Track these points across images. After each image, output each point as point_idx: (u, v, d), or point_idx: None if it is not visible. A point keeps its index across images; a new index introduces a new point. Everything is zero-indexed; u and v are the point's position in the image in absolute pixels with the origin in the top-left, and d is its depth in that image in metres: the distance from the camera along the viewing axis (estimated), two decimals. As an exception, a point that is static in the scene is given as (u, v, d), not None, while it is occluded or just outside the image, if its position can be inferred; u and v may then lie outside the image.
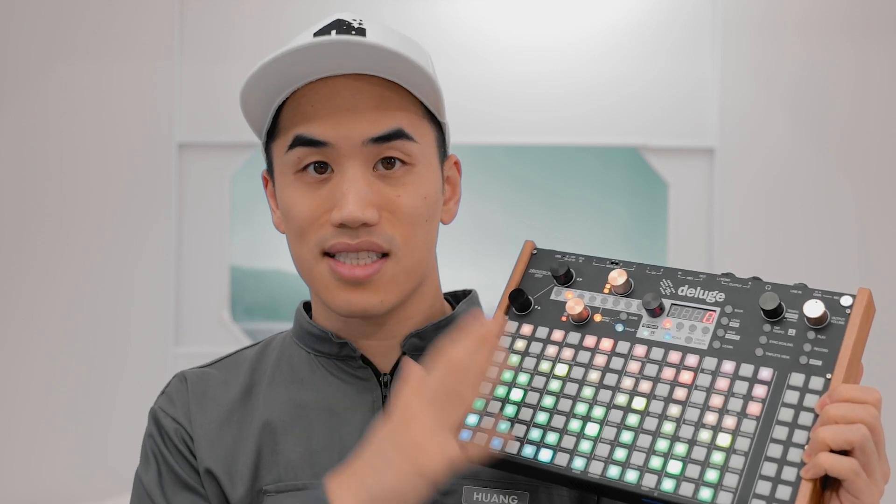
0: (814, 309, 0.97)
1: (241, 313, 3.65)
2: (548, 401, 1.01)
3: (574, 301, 1.05)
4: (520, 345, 1.06)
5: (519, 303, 1.07)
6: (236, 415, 1.13)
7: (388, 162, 1.07)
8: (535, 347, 1.05)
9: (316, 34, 1.07)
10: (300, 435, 1.10)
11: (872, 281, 3.50)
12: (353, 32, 1.07)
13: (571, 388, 1.01)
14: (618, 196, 3.63)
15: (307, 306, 1.21)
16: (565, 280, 1.08)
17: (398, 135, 1.06)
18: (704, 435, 0.95)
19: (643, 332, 1.02)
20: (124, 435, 3.53)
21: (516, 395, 1.02)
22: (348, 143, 1.05)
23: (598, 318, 1.05)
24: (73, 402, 3.57)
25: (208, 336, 3.59)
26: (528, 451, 0.99)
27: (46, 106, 3.62)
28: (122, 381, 3.57)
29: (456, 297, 1.23)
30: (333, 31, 1.07)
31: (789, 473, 0.91)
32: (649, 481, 0.94)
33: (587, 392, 1.00)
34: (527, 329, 1.06)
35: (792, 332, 0.98)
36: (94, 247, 3.60)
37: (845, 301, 0.98)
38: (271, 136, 1.12)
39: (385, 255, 1.07)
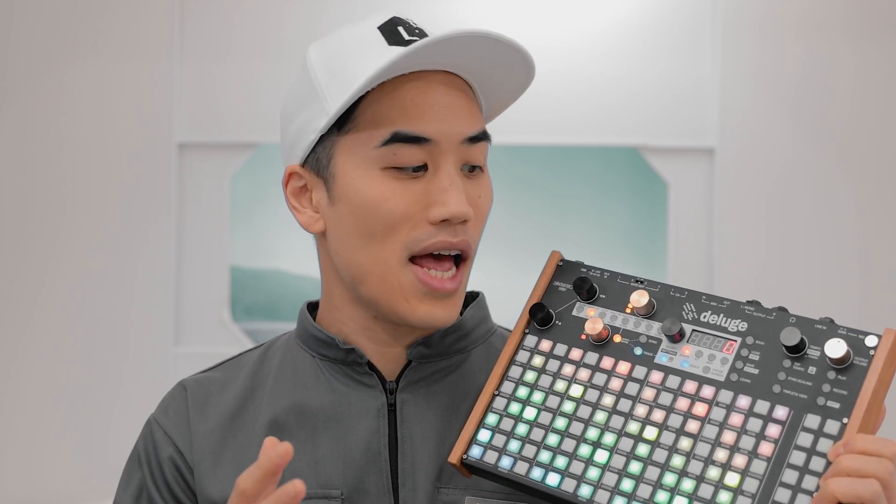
0: (836, 349, 0.93)
1: (241, 313, 3.65)
2: (560, 422, 1.00)
3: (594, 321, 1.03)
4: (537, 361, 1.04)
5: (540, 317, 1.05)
6: (238, 420, 1.12)
7: (472, 165, 1.07)
8: (553, 365, 1.04)
9: (380, 28, 1.07)
10: (305, 442, 1.09)
11: (872, 282, 3.50)
12: (416, 32, 1.07)
13: (584, 412, 1.00)
14: (618, 196, 3.63)
15: (310, 306, 1.18)
16: (588, 296, 1.06)
17: (484, 136, 1.07)
18: (713, 472, 0.93)
19: (661, 358, 1.01)
20: (124, 435, 3.53)
21: (530, 413, 1.02)
22: (449, 141, 1.04)
23: (617, 338, 1.03)
24: (73, 402, 3.57)
25: (208, 336, 3.59)
26: (537, 473, 0.98)
27: (46, 106, 3.62)
28: (122, 381, 3.57)
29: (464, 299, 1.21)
30: (400, 29, 1.06)
31: None
32: None
33: (600, 417, 0.99)
34: (545, 345, 1.05)
35: (812, 370, 0.95)
36: (94, 247, 3.60)
37: (870, 341, 0.93)
38: (339, 127, 1.05)
39: (459, 260, 1.07)
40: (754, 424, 0.94)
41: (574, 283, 1.06)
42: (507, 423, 1.01)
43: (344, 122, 1.05)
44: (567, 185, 3.64)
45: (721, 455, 0.94)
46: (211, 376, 1.17)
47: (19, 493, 3.55)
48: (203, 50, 3.61)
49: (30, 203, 3.62)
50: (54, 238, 3.61)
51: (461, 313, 1.17)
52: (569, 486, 0.97)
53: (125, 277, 3.59)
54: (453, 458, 1.03)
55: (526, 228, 3.54)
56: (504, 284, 3.50)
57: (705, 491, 0.93)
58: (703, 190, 3.56)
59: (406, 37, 1.06)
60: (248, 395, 1.13)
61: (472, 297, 1.20)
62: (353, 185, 1.05)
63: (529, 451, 1.00)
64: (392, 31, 1.06)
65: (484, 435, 1.02)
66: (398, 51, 1.01)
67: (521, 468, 0.99)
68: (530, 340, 1.06)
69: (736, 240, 3.53)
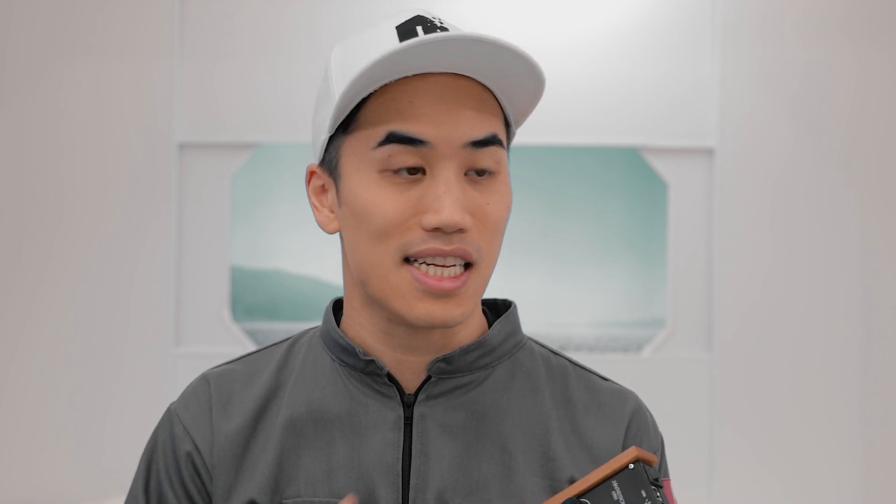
0: None
1: (241, 313, 3.65)
2: None
3: None
4: None
5: None
6: (260, 422, 1.10)
7: (479, 170, 1.04)
8: None
9: (398, 27, 1.03)
10: (322, 449, 1.07)
11: (873, 282, 3.50)
12: (439, 30, 1.02)
13: None
14: (618, 196, 3.63)
15: (336, 305, 1.15)
16: None
17: (494, 140, 1.04)
18: None
19: None
20: (124, 435, 3.53)
21: None
22: (448, 145, 1.01)
23: None
24: (72, 402, 3.57)
25: (208, 336, 3.59)
26: None
27: (46, 106, 3.62)
28: (122, 381, 3.57)
29: (494, 308, 1.18)
30: (418, 28, 1.02)
31: None
32: None
33: None
34: None
35: None
36: (94, 247, 3.60)
37: None
38: (344, 128, 1.05)
39: (468, 265, 1.03)
40: None
41: None
42: None
43: (349, 122, 1.05)
44: (566, 186, 3.63)
45: None
46: (235, 369, 1.14)
47: (19, 493, 3.55)
48: (203, 50, 3.60)
49: (30, 203, 3.62)
50: (54, 238, 3.61)
51: (489, 326, 1.14)
52: None
53: (125, 277, 3.59)
54: None
55: (525, 228, 3.54)
56: (503, 284, 3.51)
57: None
58: (702, 190, 3.56)
59: (422, 36, 1.02)
60: (272, 394, 1.11)
61: (504, 307, 1.17)
62: (353, 187, 1.04)
63: None
64: (409, 30, 1.03)
65: None
66: (390, 50, 0.99)
67: None
68: None
69: (736, 240, 3.53)
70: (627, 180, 3.63)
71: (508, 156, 1.13)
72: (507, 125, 1.10)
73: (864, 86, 3.52)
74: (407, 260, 1.03)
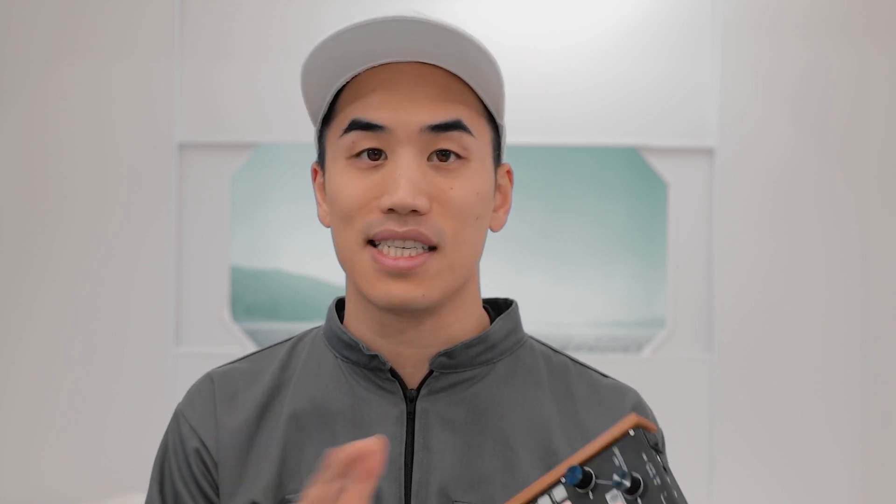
0: None
1: (241, 313, 3.65)
2: None
3: None
4: None
5: (580, 480, 0.95)
6: (264, 419, 1.11)
7: (443, 154, 1.05)
8: None
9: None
10: (324, 444, 1.07)
11: (873, 282, 3.50)
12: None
13: None
14: (617, 196, 3.63)
15: (339, 304, 1.17)
16: (631, 492, 0.95)
17: (456, 125, 1.05)
18: None
19: None
20: (124, 435, 3.53)
21: None
22: (405, 129, 1.04)
23: None
24: (72, 402, 3.57)
25: (208, 336, 3.59)
26: None
27: (46, 106, 3.62)
28: (122, 381, 3.57)
29: (496, 306, 1.19)
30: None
31: None
32: None
33: None
34: None
35: None
36: (94, 247, 3.60)
37: None
38: (326, 122, 1.10)
39: (432, 248, 1.04)
40: None
41: (632, 480, 0.95)
42: None
43: (329, 115, 1.09)
44: (566, 186, 3.63)
45: None
46: (239, 367, 1.16)
47: (19, 493, 3.55)
48: (203, 50, 3.61)
49: (30, 203, 3.62)
50: (54, 238, 3.61)
51: (491, 323, 1.15)
52: None
53: (125, 277, 3.59)
54: None
55: (525, 228, 3.54)
56: (504, 282, 3.51)
57: None
58: (703, 190, 3.56)
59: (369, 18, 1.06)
60: (275, 392, 1.12)
61: (506, 306, 1.18)
62: (329, 175, 1.09)
63: None
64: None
65: None
66: (335, 31, 1.04)
67: None
68: (559, 494, 0.96)
69: (736, 240, 3.53)
70: (627, 180, 3.63)
71: (501, 148, 1.15)
72: (492, 118, 1.12)
73: (864, 86, 3.52)
74: (371, 243, 1.05)
